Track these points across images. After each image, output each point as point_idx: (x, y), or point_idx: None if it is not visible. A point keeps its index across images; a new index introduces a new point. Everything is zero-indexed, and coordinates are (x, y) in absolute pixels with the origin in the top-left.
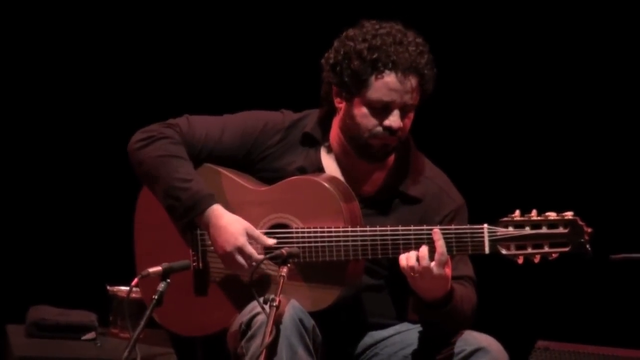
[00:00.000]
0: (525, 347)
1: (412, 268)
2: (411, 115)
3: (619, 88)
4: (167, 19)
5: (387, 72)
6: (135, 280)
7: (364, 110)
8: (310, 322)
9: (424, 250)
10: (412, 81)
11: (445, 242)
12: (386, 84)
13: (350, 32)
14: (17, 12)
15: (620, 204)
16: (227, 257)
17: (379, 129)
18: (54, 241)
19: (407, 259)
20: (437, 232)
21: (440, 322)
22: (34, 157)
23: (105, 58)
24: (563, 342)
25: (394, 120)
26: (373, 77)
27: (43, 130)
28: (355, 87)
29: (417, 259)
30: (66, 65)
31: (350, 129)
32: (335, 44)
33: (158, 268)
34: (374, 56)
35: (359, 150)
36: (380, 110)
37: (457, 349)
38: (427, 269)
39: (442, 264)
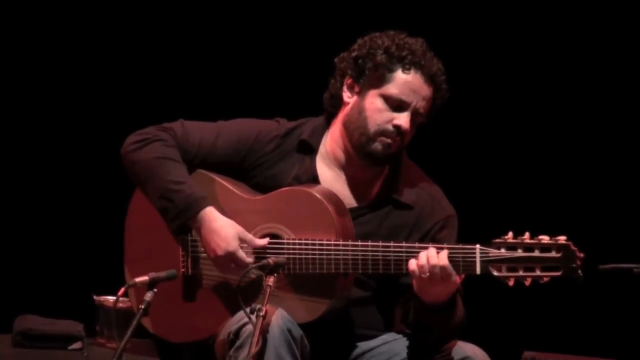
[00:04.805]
0: (512, 358)
1: (421, 267)
2: (414, 129)
3: (610, 114)
4: (164, 24)
5: (413, 71)
6: (122, 290)
7: (378, 104)
8: (298, 332)
9: (432, 251)
10: (429, 90)
11: None
12: (409, 83)
13: (377, 34)
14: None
15: (608, 215)
16: (219, 261)
17: (388, 126)
18: (41, 250)
19: (417, 258)
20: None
21: (436, 327)
22: (21, 166)
23: (100, 62)
24: (549, 353)
25: (404, 120)
26: (398, 73)
27: (33, 140)
28: (376, 79)
29: (427, 259)
30: (59, 68)
31: (358, 123)
32: (359, 41)
33: (145, 278)
34: (403, 53)
35: (361, 149)
36: (394, 107)
37: (443, 358)
38: (435, 269)
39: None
